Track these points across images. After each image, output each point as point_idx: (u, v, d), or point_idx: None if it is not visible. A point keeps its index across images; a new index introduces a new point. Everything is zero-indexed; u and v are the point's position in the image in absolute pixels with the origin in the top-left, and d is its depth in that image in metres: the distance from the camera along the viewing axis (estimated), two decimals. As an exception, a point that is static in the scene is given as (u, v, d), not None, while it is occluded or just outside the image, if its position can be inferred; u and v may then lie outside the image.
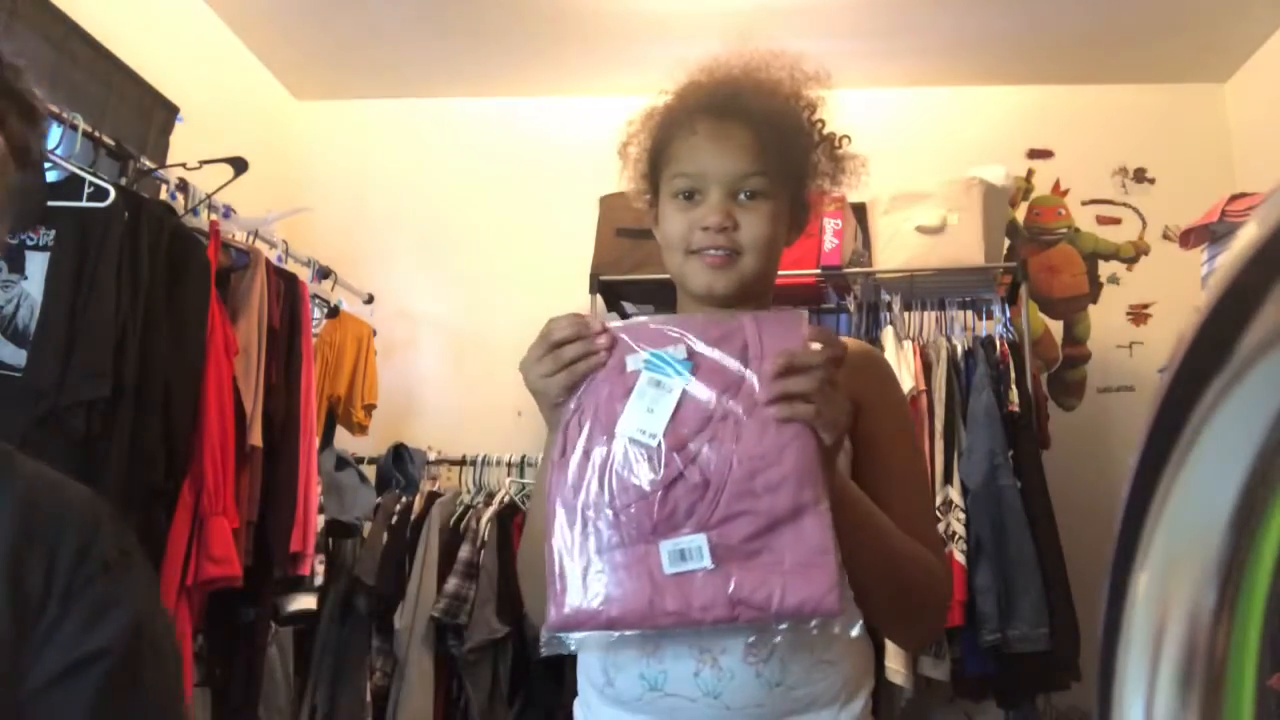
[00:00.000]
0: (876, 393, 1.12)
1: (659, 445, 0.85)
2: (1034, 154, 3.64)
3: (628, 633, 0.84)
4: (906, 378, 2.64)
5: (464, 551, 2.86)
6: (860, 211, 3.05)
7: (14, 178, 0.75)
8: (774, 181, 1.08)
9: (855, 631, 0.87)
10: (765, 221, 1.07)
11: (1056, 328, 3.56)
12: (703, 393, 0.86)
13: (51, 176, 1.94)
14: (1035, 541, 2.53)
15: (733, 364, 0.87)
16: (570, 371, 0.95)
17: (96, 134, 2.07)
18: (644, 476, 0.85)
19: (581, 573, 0.84)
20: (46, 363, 1.80)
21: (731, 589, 0.82)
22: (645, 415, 0.87)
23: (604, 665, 1.06)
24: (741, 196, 1.07)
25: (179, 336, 2.01)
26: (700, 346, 0.88)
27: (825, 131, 1.15)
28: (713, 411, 0.86)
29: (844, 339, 1.17)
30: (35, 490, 0.70)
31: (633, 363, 0.89)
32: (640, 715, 1.02)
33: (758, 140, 1.07)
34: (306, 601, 2.55)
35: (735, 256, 1.06)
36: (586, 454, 0.89)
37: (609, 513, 0.84)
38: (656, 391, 0.87)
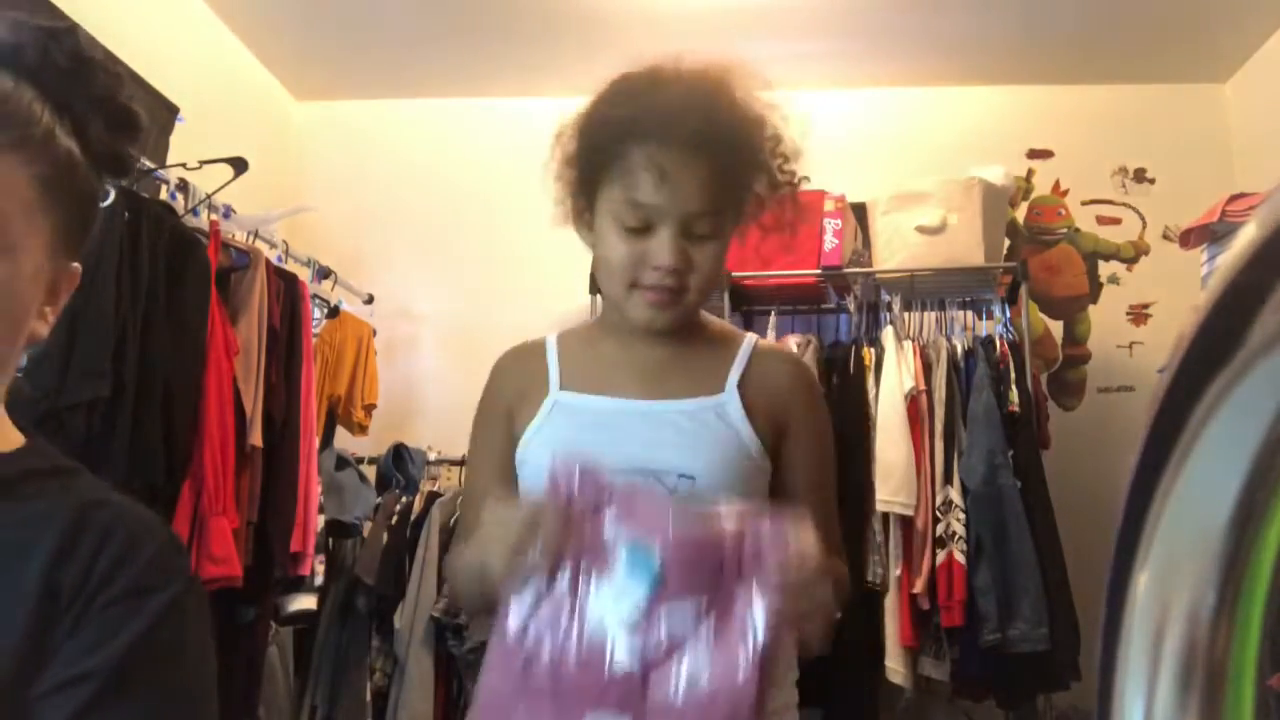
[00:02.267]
0: (801, 418, 1.12)
1: (620, 631, 0.87)
2: (1034, 154, 3.64)
3: None
4: (907, 378, 2.64)
5: (464, 551, 2.86)
6: (860, 211, 3.05)
7: (90, 185, 0.74)
8: (726, 217, 1.05)
9: None
10: (716, 260, 1.05)
11: (1056, 328, 3.56)
12: (673, 595, 0.88)
13: (51, 176, 1.94)
14: (1035, 541, 2.53)
15: (705, 573, 0.88)
16: (550, 555, 0.91)
17: (96, 134, 2.06)
18: (597, 651, 0.87)
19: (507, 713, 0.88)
20: (46, 362, 1.80)
21: None
22: (613, 599, 0.88)
23: None
24: (695, 233, 1.03)
25: (179, 336, 2.01)
26: (677, 546, 0.89)
27: (780, 157, 1.10)
28: (674, 618, 0.87)
29: (765, 343, 1.18)
30: (91, 506, 0.69)
31: (610, 532, 0.90)
32: None
33: (718, 176, 1.02)
34: (306, 601, 2.55)
35: (681, 294, 1.04)
36: (547, 603, 0.90)
37: (550, 670, 0.87)
38: (629, 580, 0.88)
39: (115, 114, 0.72)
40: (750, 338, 1.17)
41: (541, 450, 1.09)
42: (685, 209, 1.01)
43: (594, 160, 1.07)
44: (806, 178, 1.13)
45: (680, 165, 1.00)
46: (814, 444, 1.13)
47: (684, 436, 1.07)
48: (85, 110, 0.71)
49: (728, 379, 1.10)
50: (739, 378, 1.11)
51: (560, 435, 1.10)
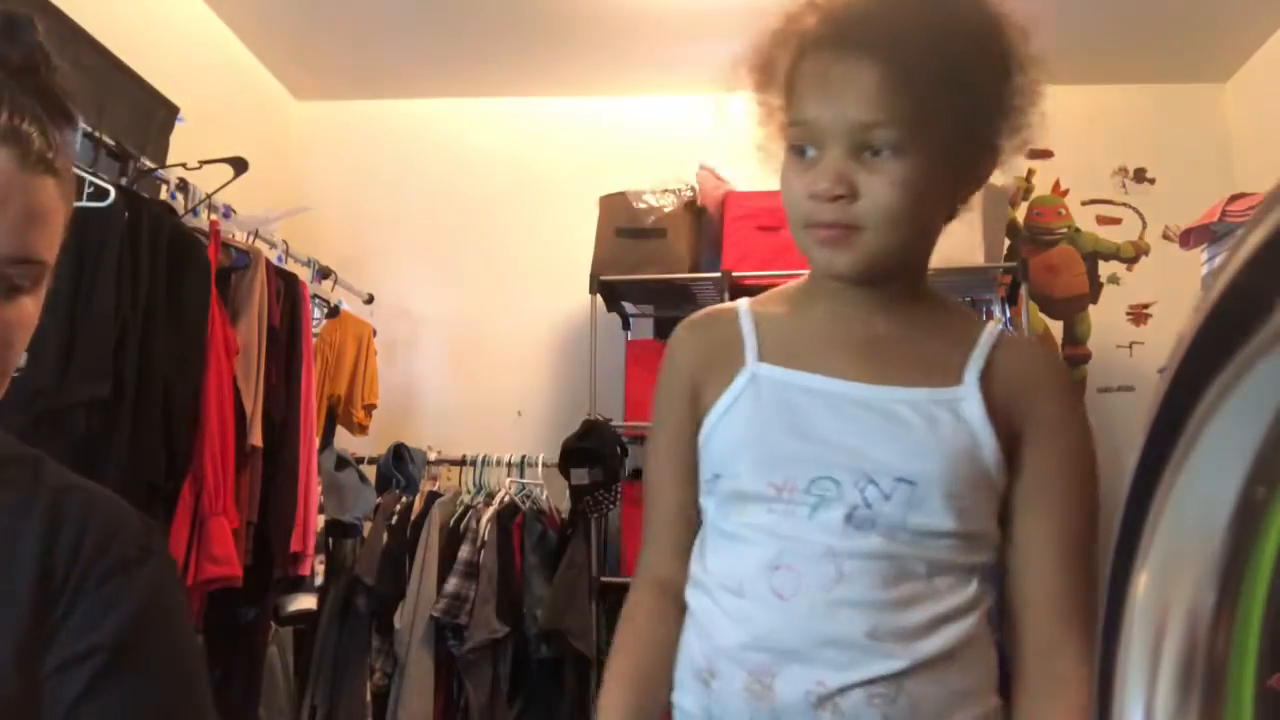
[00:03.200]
0: (1053, 431, 0.91)
1: None
2: (1034, 154, 3.64)
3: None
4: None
5: (464, 551, 2.86)
6: (860, 211, 3.05)
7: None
8: (914, 132, 0.83)
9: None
10: (895, 188, 0.84)
11: (1056, 328, 3.56)
12: None
13: (51, 176, 1.94)
14: (1035, 541, 2.53)
15: None
16: None
17: (96, 134, 2.07)
18: None
19: None
20: (46, 362, 1.80)
21: None
22: None
23: (707, 706, 0.92)
24: (867, 154, 0.84)
25: (179, 336, 2.01)
26: None
27: (1001, 49, 0.88)
28: None
29: (1013, 332, 1.03)
30: (63, 493, 0.71)
31: None
32: None
33: (892, 75, 0.82)
34: (306, 601, 2.55)
35: (853, 232, 0.85)
36: None
37: None
38: None
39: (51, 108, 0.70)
40: (993, 324, 0.99)
41: (732, 432, 0.94)
42: (845, 118, 0.83)
43: (771, 84, 0.92)
44: (1037, 58, 0.91)
45: (847, 68, 0.84)
46: (1064, 466, 0.91)
47: (908, 433, 0.88)
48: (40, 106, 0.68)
49: (965, 368, 0.91)
50: (980, 369, 0.91)
51: (757, 415, 0.93)
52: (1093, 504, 0.92)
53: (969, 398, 0.90)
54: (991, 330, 0.96)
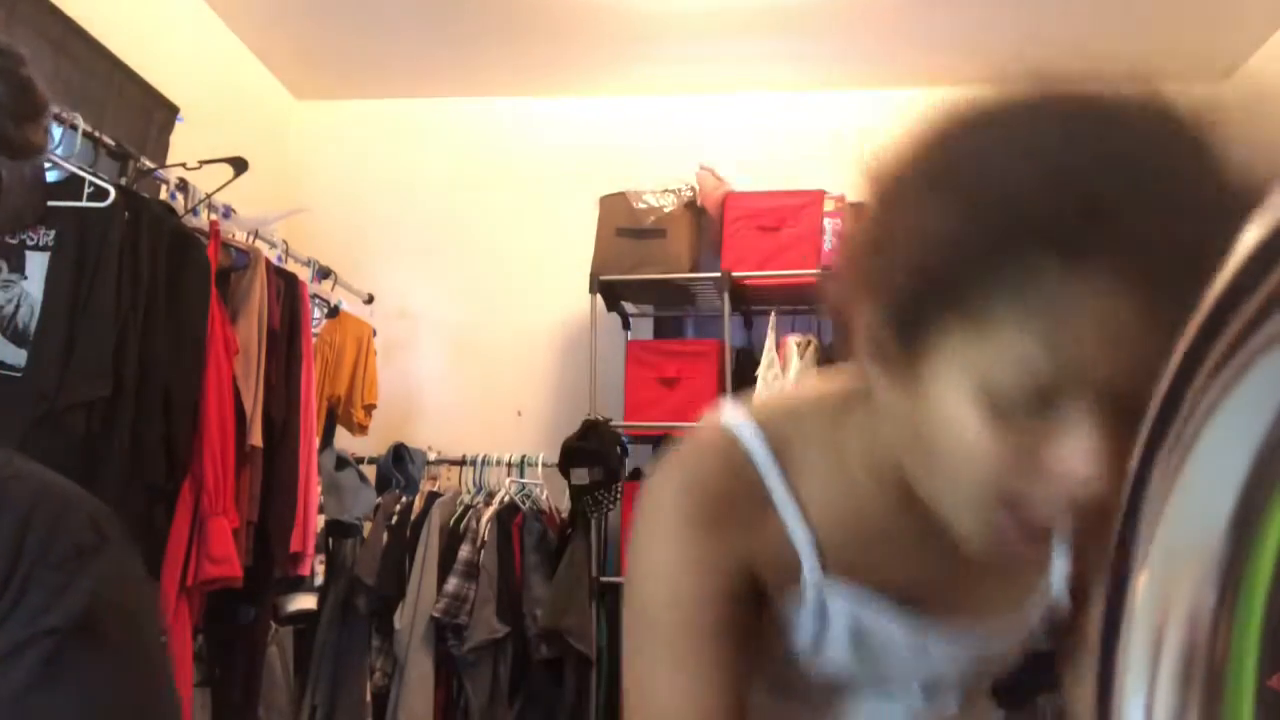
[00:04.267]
0: None
1: None
2: (1034, 154, 3.64)
3: None
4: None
5: (464, 551, 2.86)
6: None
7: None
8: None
9: None
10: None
11: (1056, 328, 3.56)
12: None
13: (51, 176, 1.94)
14: (1035, 541, 2.53)
15: None
16: None
17: (96, 134, 2.07)
18: None
19: None
20: (46, 363, 1.80)
21: None
22: None
23: None
24: (1120, 417, 0.51)
25: (179, 336, 2.01)
26: None
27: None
28: None
29: None
30: (9, 481, 0.70)
31: None
32: None
33: (1177, 307, 0.38)
34: (306, 601, 2.55)
35: (1077, 523, 0.56)
36: None
37: None
38: None
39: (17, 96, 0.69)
40: None
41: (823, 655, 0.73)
42: (1125, 370, 0.50)
43: (947, 282, 0.54)
44: None
45: (1146, 300, 0.48)
46: None
47: (999, 643, 0.79)
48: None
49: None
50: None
51: (821, 644, 0.72)
52: None
53: (1059, 567, 0.76)
54: None
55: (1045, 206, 0.49)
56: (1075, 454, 0.52)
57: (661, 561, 0.69)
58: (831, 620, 0.71)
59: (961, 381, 0.55)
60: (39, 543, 0.66)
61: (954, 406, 0.55)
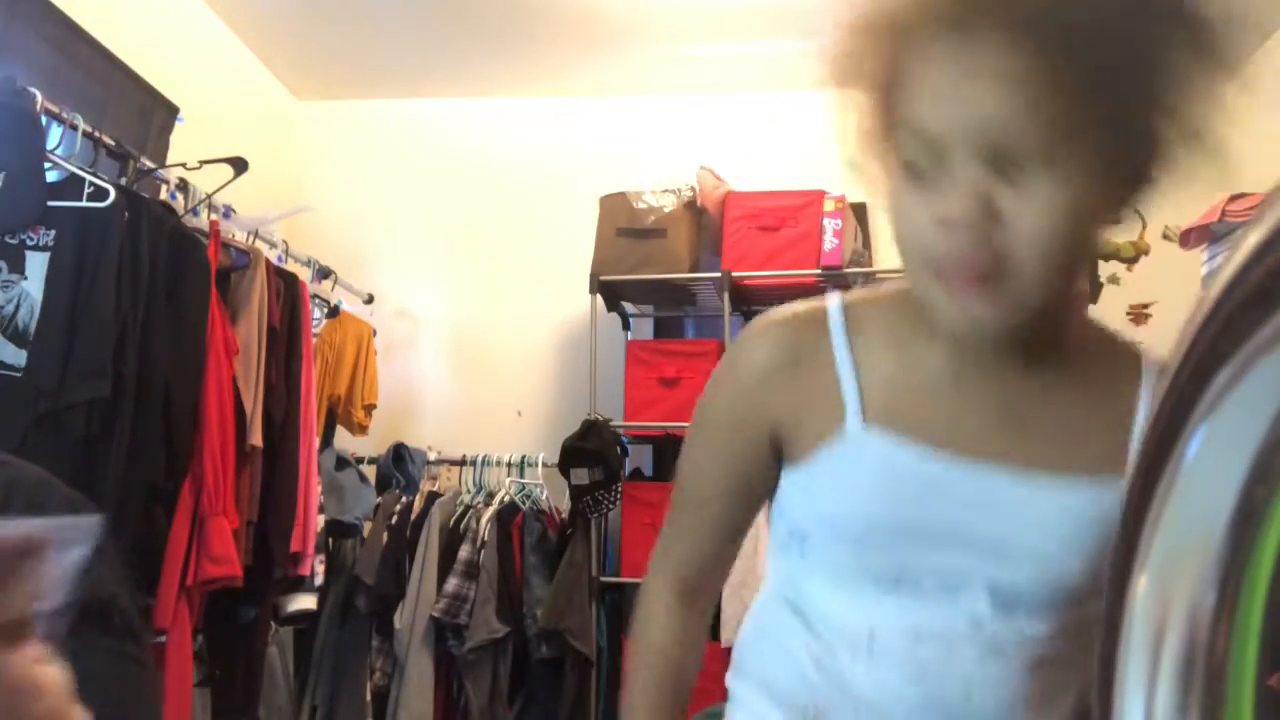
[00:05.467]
0: None
1: None
2: (1034, 154, 3.64)
3: None
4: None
5: (464, 551, 2.86)
6: (861, 211, 3.05)
7: None
8: (1076, 129, 0.61)
9: None
10: (1055, 208, 0.62)
11: (1056, 328, 3.56)
12: None
13: (52, 176, 1.94)
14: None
15: None
16: None
17: (96, 134, 2.07)
18: None
19: None
20: (46, 363, 1.80)
21: None
22: None
23: None
24: (1011, 169, 0.62)
25: (179, 336, 2.01)
26: None
27: (1180, 8, 0.63)
28: None
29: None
30: None
31: None
32: None
33: (1034, 53, 0.59)
34: (306, 601, 2.55)
35: (998, 276, 0.64)
36: None
37: None
38: None
39: None
40: (1153, 358, 0.78)
41: (828, 505, 0.77)
42: (983, 121, 0.61)
43: (877, 92, 0.70)
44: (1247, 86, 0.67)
45: (981, 53, 0.61)
46: None
47: (1061, 538, 0.70)
48: None
49: (1133, 443, 0.72)
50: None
51: (861, 496, 0.75)
52: None
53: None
54: (1153, 366, 0.76)
55: (916, 20, 0.64)
56: (950, 203, 0.63)
57: (724, 371, 0.85)
58: (860, 462, 0.74)
59: (895, 165, 0.67)
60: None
61: (895, 187, 0.68)
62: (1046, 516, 0.71)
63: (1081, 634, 0.73)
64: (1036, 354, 0.73)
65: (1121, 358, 0.80)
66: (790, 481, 0.80)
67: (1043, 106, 0.60)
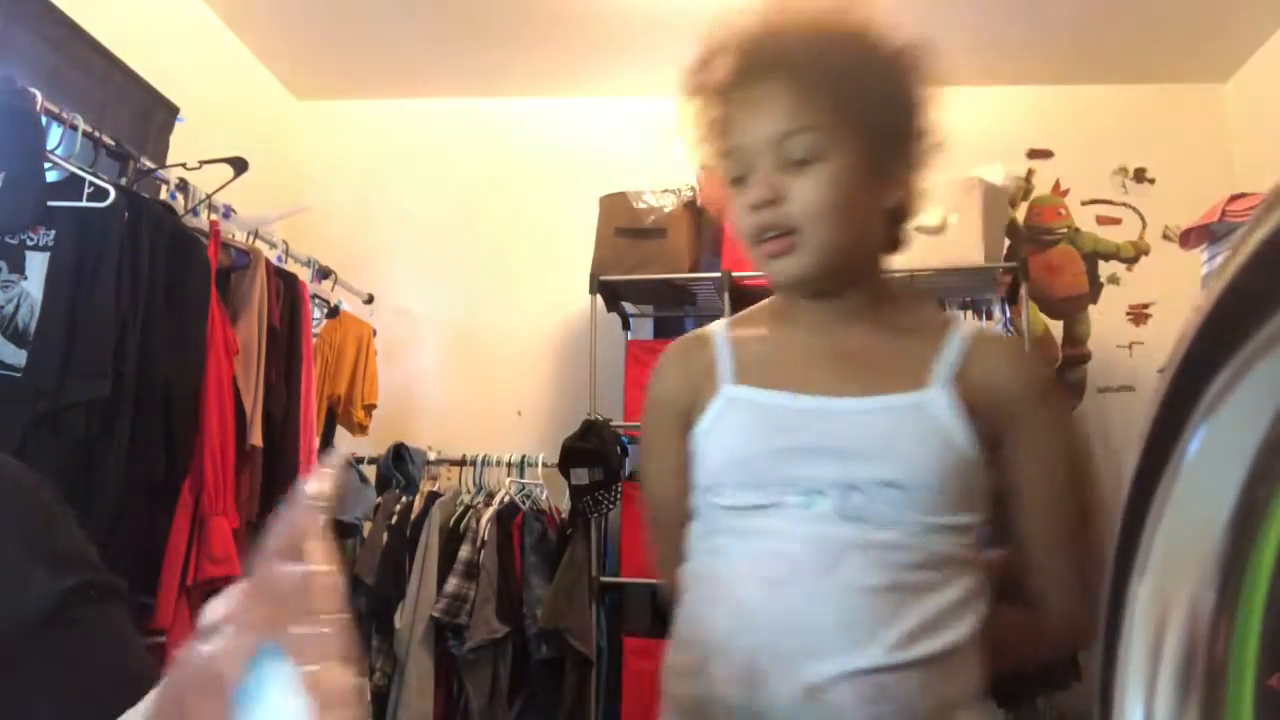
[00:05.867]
0: (1029, 422, 0.94)
1: None
2: (1034, 154, 3.64)
3: None
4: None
5: (464, 551, 2.86)
6: (860, 211, 3.05)
7: None
8: (831, 136, 0.91)
9: None
10: (820, 187, 0.90)
11: (1056, 328, 3.56)
12: None
13: (51, 176, 1.94)
14: (1035, 541, 2.53)
15: None
16: None
17: (96, 134, 2.07)
18: None
19: None
20: (46, 363, 1.80)
21: None
22: None
23: (697, 694, 0.94)
24: (793, 166, 0.91)
25: (179, 336, 2.01)
26: None
27: (893, 53, 0.96)
28: None
29: (987, 330, 1.04)
30: None
31: None
32: None
33: (796, 90, 0.91)
34: (306, 601, 2.55)
35: (792, 235, 0.91)
36: None
37: None
38: None
39: None
40: (967, 324, 1.01)
41: (716, 454, 0.98)
42: (764, 133, 0.91)
43: (710, 124, 0.99)
44: (925, 47, 0.99)
45: (750, 92, 0.93)
46: (1047, 449, 0.95)
47: (885, 439, 0.91)
48: None
49: (934, 370, 0.94)
50: (952, 370, 0.94)
51: (736, 439, 0.97)
52: (1084, 488, 0.96)
53: (939, 399, 0.93)
54: (966, 330, 0.99)
55: (722, 73, 0.95)
56: (750, 193, 0.92)
57: (647, 395, 1.10)
58: (737, 409, 0.98)
59: (726, 180, 0.97)
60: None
61: (730, 196, 0.96)
62: (870, 422, 0.93)
63: (924, 554, 0.90)
64: (860, 315, 0.99)
65: (938, 319, 1.02)
66: (695, 449, 1.00)
67: (803, 118, 0.91)
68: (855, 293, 0.98)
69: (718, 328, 1.07)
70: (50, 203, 1.89)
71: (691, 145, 1.00)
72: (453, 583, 2.81)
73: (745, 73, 0.94)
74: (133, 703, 0.65)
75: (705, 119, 0.98)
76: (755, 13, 0.97)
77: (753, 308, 1.09)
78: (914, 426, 0.91)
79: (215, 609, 0.48)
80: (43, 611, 0.66)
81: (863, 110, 0.92)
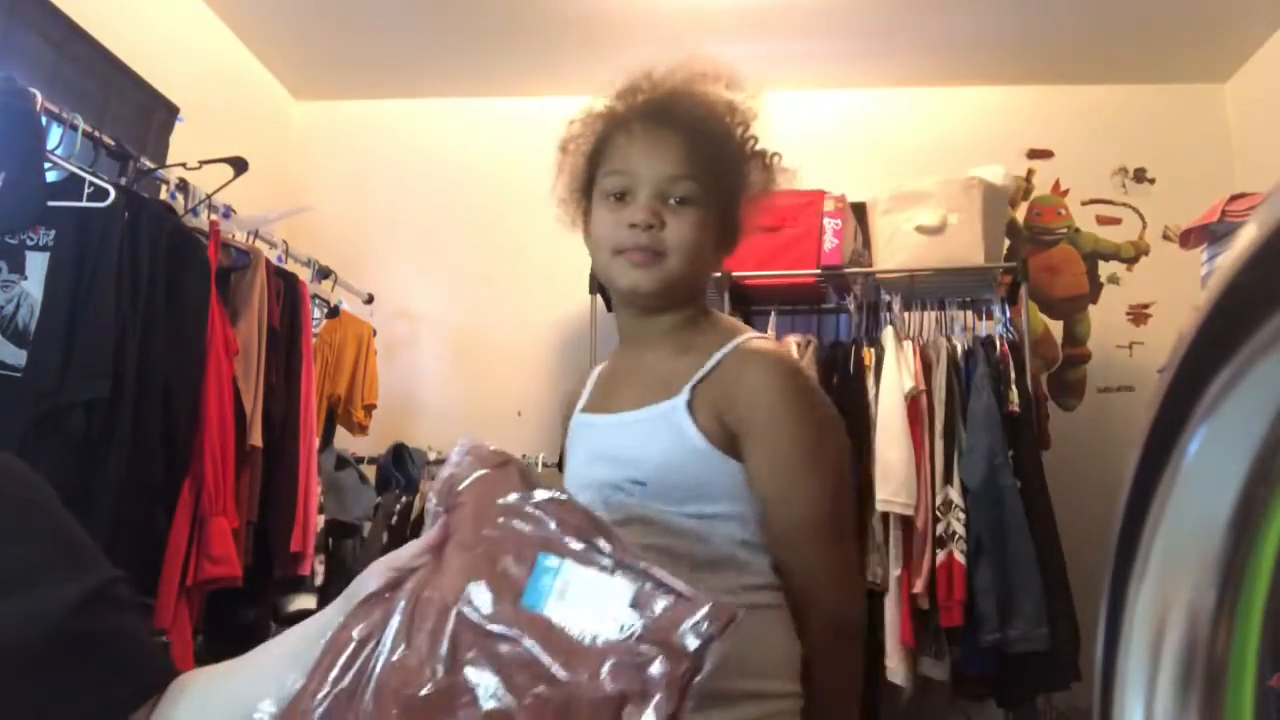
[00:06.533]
0: (758, 422, 1.05)
1: None
2: (1034, 154, 3.64)
3: None
4: (907, 378, 2.64)
5: (464, 551, 2.86)
6: (860, 211, 3.05)
7: None
8: (704, 189, 1.09)
9: None
10: (692, 226, 1.08)
11: (1056, 328, 3.56)
12: None
13: (51, 176, 1.94)
14: (1035, 541, 2.53)
15: None
16: None
17: (96, 134, 2.07)
18: None
19: None
20: (46, 363, 1.80)
21: None
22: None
23: None
24: (671, 201, 1.09)
25: (179, 336, 2.01)
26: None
27: (756, 147, 1.16)
28: None
29: (752, 343, 1.12)
30: None
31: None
32: None
33: (689, 147, 1.09)
34: (306, 601, 2.55)
35: (659, 257, 1.08)
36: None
37: None
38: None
39: None
40: (739, 339, 1.12)
41: (568, 466, 1.19)
42: (659, 173, 1.08)
43: (590, 154, 1.16)
44: (777, 154, 1.18)
45: (654, 132, 1.10)
46: (772, 449, 1.04)
47: (634, 443, 1.09)
48: None
49: (688, 381, 1.08)
50: (698, 379, 1.08)
51: (573, 452, 1.18)
52: (818, 490, 1.06)
53: (679, 405, 1.07)
54: (728, 346, 1.11)
55: (612, 113, 1.16)
56: (636, 214, 1.08)
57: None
58: (574, 433, 1.21)
59: (598, 201, 1.13)
60: None
61: (597, 213, 1.13)
62: (628, 431, 1.11)
63: (694, 533, 1.04)
64: (667, 336, 1.14)
65: (719, 335, 1.13)
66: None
67: (691, 168, 1.09)
68: (675, 314, 1.14)
69: (601, 364, 1.29)
70: (50, 203, 1.89)
71: (570, 149, 1.19)
72: (453, 583, 2.81)
73: (655, 116, 1.11)
74: (147, 699, 0.66)
75: (601, 135, 1.15)
76: (671, 69, 1.15)
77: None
78: (657, 429, 1.07)
79: None
80: (62, 613, 0.66)
81: (727, 174, 1.13)
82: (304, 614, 2.57)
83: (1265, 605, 0.28)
